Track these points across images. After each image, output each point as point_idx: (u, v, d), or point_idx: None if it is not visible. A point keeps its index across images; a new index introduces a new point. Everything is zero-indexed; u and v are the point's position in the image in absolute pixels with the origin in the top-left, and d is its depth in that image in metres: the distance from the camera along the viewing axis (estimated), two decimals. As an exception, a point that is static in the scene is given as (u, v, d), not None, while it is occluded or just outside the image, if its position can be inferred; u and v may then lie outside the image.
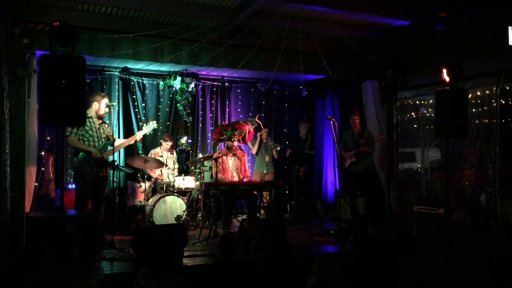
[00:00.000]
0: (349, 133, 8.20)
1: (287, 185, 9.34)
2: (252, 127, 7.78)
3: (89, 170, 6.06)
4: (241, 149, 7.88)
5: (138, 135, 6.81)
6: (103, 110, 6.30)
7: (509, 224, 6.54)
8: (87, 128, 6.14)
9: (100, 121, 6.32)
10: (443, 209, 6.33)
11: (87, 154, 6.08)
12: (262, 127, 8.68)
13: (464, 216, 5.48)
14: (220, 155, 7.57)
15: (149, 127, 6.95)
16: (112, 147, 6.25)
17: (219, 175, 7.31)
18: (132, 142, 6.83)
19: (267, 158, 8.91)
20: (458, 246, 2.75)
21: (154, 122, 7.08)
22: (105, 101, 6.33)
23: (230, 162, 7.64)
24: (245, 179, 7.57)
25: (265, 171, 8.84)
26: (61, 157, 4.99)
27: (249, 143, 8.28)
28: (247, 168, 7.84)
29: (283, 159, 9.10)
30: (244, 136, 7.55)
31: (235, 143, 7.56)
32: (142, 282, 3.09)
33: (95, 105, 6.23)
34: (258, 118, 8.41)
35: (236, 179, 7.49)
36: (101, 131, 6.33)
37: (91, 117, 6.22)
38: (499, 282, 2.70)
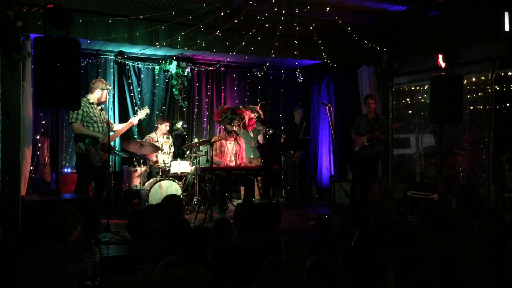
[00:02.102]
0: (363, 117, 8.00)
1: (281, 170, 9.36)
2: (254, 116, 7.64)
3: (96, 156, 6.07)
4: (239, 135, 7.81)
5: (134, 120, 6.85)
6: (105, 97, 6.30)
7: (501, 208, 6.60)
8: (91, 114, 6.14)
9: (99, 107, 6.32)
10: (436, 194, 6.36)
11: (94, 139, 6.09)
12: (262, 117, 8.54)
13: (450, 201, 5.51)
14: (219, 138, 7.55)
15: (143, 112, 7.01)
16: (112, 133, 6.33)
17: (216, 159, 7.30)
18: (129, 127, 6.85)
19: (252, 144, 8.92)
20: (447, 229, 2.77)
21: (147, 107, 7.20)
22: (107, 88, 6.35)
23: (230, 146, 7.60)
24: (242, 165, 7.54)
25: (251, 156, 8.84)
26: (56, 140, 4.96)
27: (250, 131, 8.04)
28: (244, 154, 7.81)
29: (277, 144, 9.07)
30: (245, 122, 7.46)
31: (235, 128, 7.48)
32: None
33: (97, 92, 6.20)
34: (260, 107, 8.18)
35: (234, 163, 7.47)
36: (102, 117, 6.32)
37: (92, 103, 6.20)
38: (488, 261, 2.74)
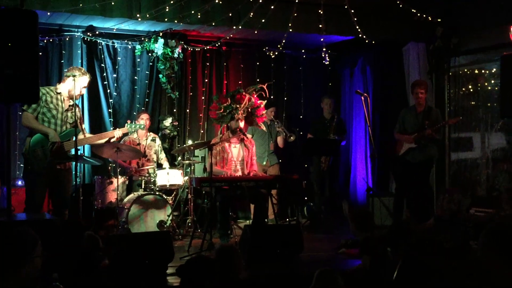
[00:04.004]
0: (410, 111, 7.95)
1: (304, 181, 9.29)
2: (262, 102, 7.47)
3: (40, 157, 6.06)
4: (245, 135, 7.64)
5: (116, 133, 6.84)
6: (78, 90, 6.33)
7: None
8: (51, 106, 6.19)
9: (71, 103, 6.36)
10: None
11: (44, 136, 6.11)
12: (266, 94, 8.18)
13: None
14: (220, 140, 7.42)
15: (132, 126, 7.02)
16: (76, 138, 6.19)
17: (217, 168, 7.22)
18: (105, 139, 6.80)
19: (271, 146, 8.86)
20: None
21: (141, 122, 7.41)
22: (84, 79, 6.37)
23: (235, 151, 7.47)
24: (251, 175, 7.42)
25: (264, 163, 8.69)
26: (7, 144, 4.99)
27: (261, 124, 7.84)
28: (254, 161, 7.66)
29: (296, 147, 9.01)
30: (252, 112, 7.33)
31: (241, 123, 7.34)
32: None
33: (69, 81, 6.25)
34: (267, 87, 7.95)
35: (240, 173, 7.39)
36: (69, 114, 6.34)
37: (60, 93, 6.28)
38: None
